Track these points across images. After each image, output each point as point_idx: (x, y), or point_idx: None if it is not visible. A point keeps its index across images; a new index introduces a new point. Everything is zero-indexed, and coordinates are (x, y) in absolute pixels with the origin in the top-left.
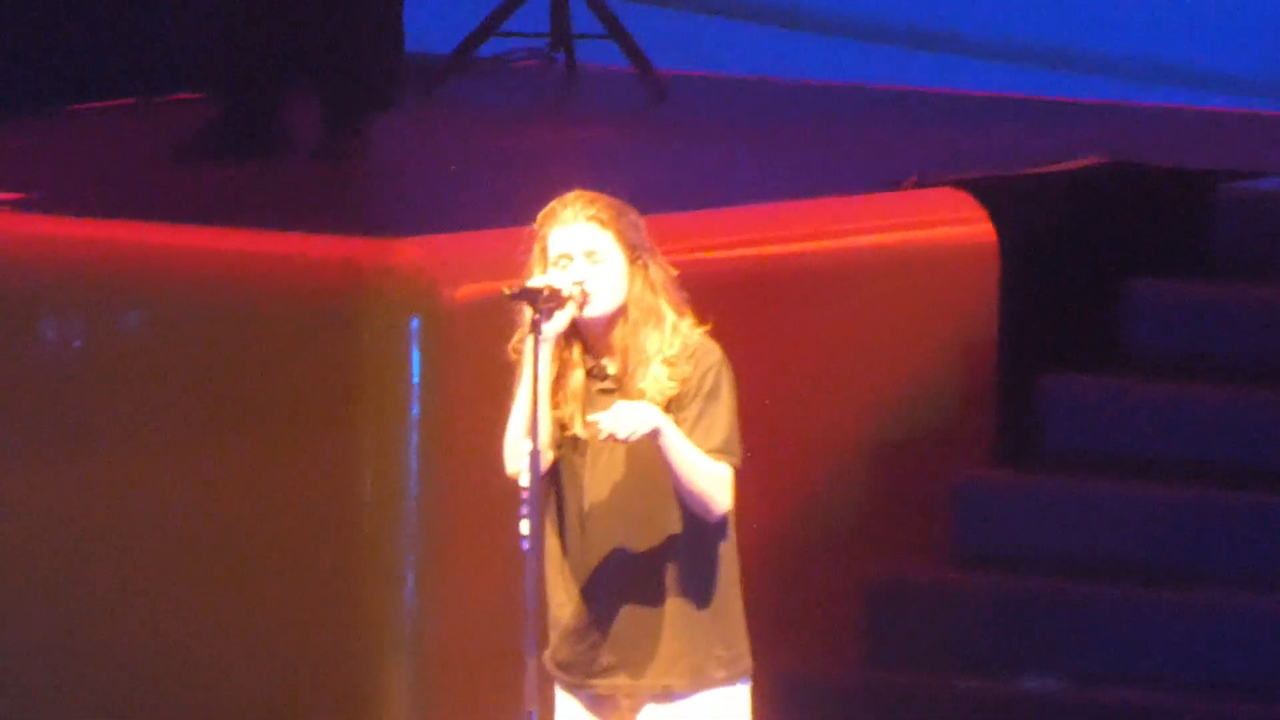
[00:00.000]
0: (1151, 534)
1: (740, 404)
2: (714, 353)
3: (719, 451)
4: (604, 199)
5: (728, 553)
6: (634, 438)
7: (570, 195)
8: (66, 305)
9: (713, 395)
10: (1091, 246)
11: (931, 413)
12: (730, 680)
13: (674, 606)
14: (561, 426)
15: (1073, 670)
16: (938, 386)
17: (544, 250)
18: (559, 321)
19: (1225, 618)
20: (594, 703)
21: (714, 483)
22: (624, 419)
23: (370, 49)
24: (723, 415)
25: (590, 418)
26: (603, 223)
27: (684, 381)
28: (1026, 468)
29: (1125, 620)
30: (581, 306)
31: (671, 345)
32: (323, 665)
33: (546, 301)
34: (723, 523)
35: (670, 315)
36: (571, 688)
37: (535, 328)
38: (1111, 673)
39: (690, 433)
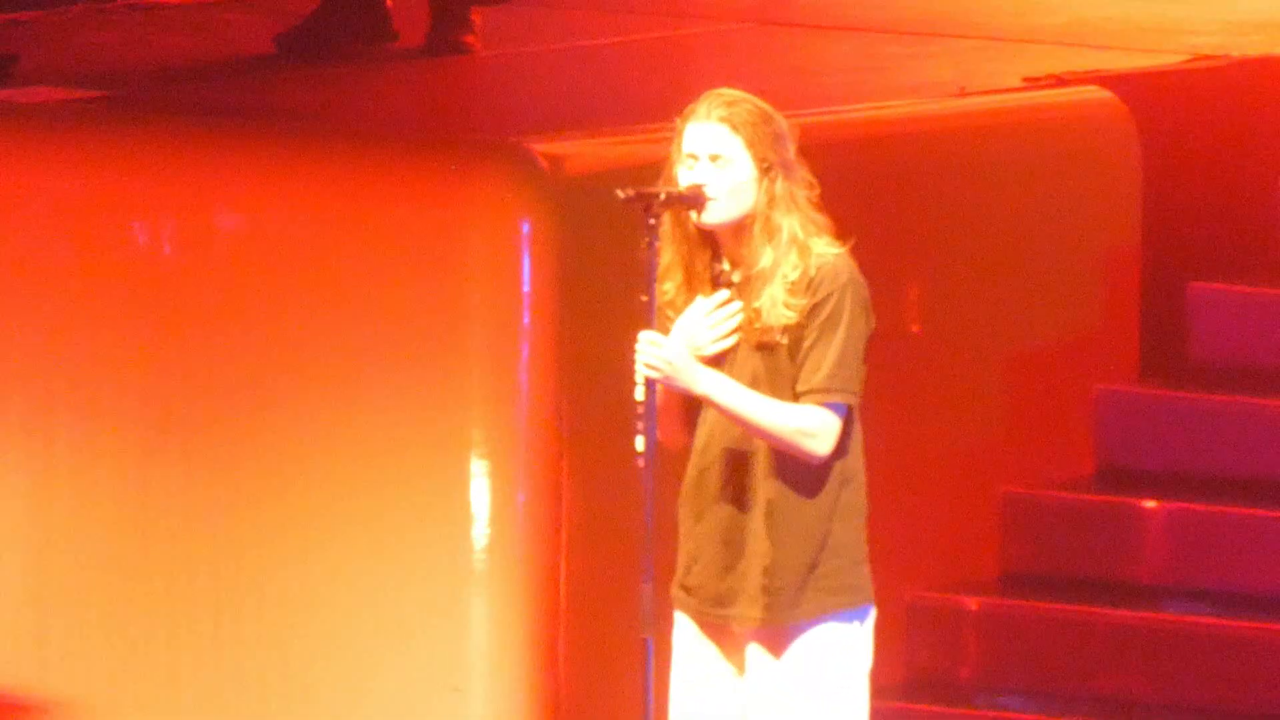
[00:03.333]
0: None
1: (879, 323)
2: (840, 275)
3: (818, 391)
4: (746, 101)
5: (850, 482)
6: (662, 380)
7: (713, 92)
8: (160, 208)
9: (829, 324)
10: (1242, 148)
11: (1073, 322)
12: (849, 608)
13: (788, 535)
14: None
15: (1221, 594)
16: (1079, 294)
17: (679, 146)
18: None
19: None
20: (712, 630)
21: (798, 435)
22: (646, 352)
23: None
24: (834, 349)
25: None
26: (734, 126)
27: (801, 310)
28: (1172, 380)
29: (1273, 540)
30: (700, 211)
31: (796, 268)
32: (432, 588)
33: (663, 205)
34: (840, 453)
35: (800, 234)
36: (692, 613)
37: (651, 232)
38: (1257, 595)
39: (800, 367)
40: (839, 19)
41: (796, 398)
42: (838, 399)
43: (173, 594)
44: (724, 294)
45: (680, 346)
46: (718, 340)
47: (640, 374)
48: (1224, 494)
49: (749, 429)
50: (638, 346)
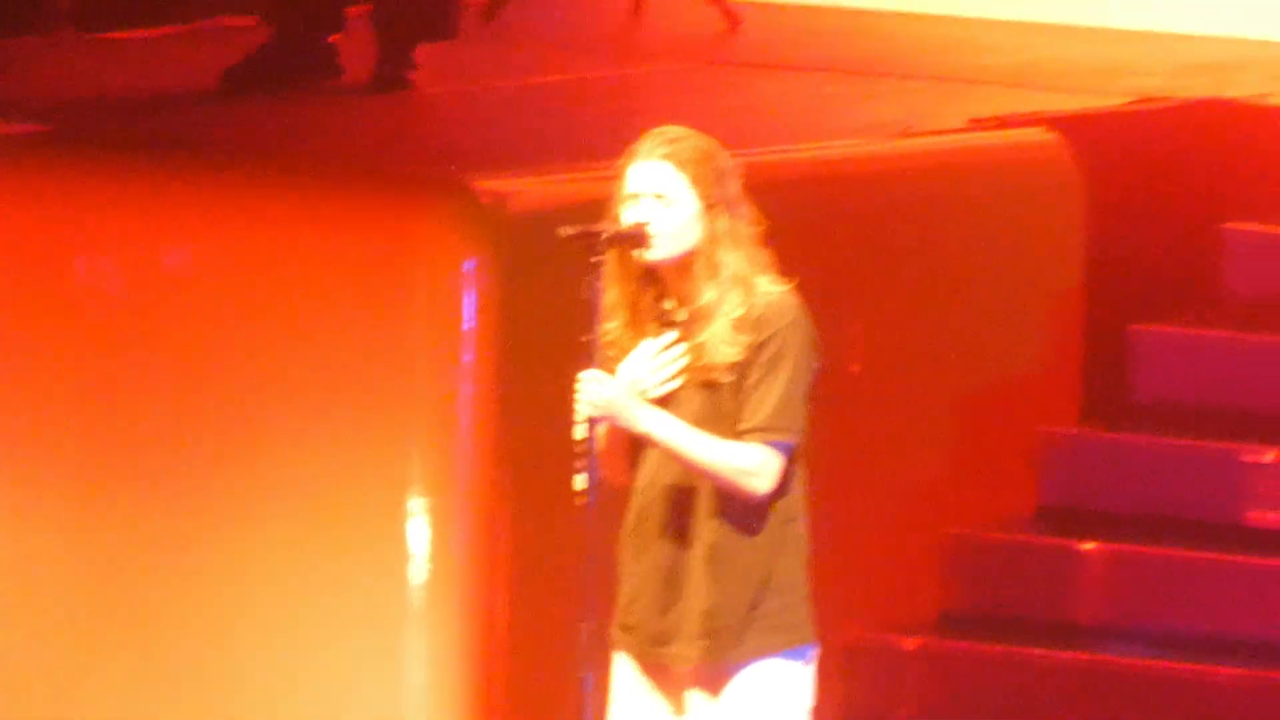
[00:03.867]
0: (1243, 493)
1: (823, 362)
2: (785, 314)
3: (760, 430)
4: (690, 138)
5: (792, 520)
6: (604, 418)
7: (657, 130)
8: (104, 243)
9: (773, 363)
10: (1186, 189)
11: (1015, 363)
12: (790, 647)
13: (730, 574)
14: None
15: (1160, 636)
16: (1022, 337)
17: (624, 185)
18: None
19: None
20: (651, 670)
21: (738, 473)
22: (588, 390)
23: None
24: (777, 387)
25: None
26: (678, 164)
27: (746, 348)
28: (1113, 422)
29: (1212, 582)
30: (643, 249)
31: (740, 306)
32: (370, 626)
33: (606, 243)
34: (782, 492)
35: (744, 272)
36: (632, 652)
37: (594, 270)
38: (1196, 637)
39: (742, 406)
40: (786, 59)
41: (739, 436)
42: (780, 438)
43: (111, 632)
44: (671, 335)
45: (622, 384)
46: (663, 383)
47: (581, 412)
48: (1163, 536)
49: (690, 467)
50: (579, 384)
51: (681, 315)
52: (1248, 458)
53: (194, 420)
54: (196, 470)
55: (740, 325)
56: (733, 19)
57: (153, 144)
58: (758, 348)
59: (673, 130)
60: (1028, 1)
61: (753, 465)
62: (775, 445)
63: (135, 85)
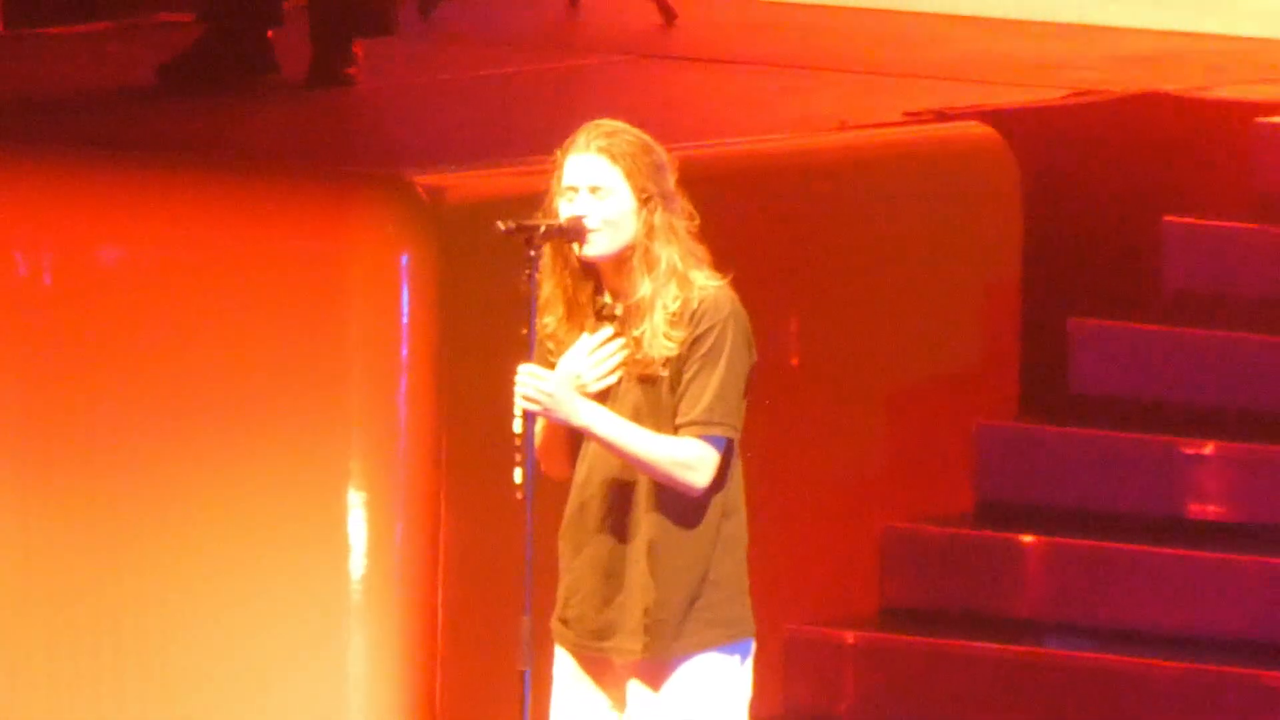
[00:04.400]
0: (1183, 486)
1: (760, 356)
2: (722, 308)
3: (697, 424)
4: (625, 132)
5: (731, 515)
6: (541, 413)
7: (593, 123)
8: (38, 239)
9: (710, 357)
10: (1123, 183)
11: (953, 356)
12: (729, 641)
13: (669, 568)
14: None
15: (1099, 629)
16: (960, 329)
17: (559, 179)
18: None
19: (1259, 575)
20: (590, 663)
21: (676, 466)
22: (525, 384)
23: None
24: (714, 381)
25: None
26: (613, 157)
27: (682, 342)
28: (1051, 415)
29: (1151, 576)
30: (580, 243)
31: (676, 299)
32: (309, 619)
33: (543, 237)
34: (719, 486)
35: (679, 265)
36: (571, 646)
37: (531, 264)
38: (1135, 630)
39: (677, 401)
40: (721, 53)
41: (676, 430)
42: (717, 432)
43: (49, 628)
44: (608, 330)
45: (560, 379)
46: (602, 378)
47: (519, 406)
48: (1102, 529)
49: (628, 460)
50: (517, 379)
51: (618, 309)
52: (1187, 450)
53: (129, 416)
54: (132, 466)
55: (676, 320)
56: (669, 13)
57: (87, 140)
58: (693, 342)
59: (608, 124)
60: None
61: (690, 458)
62: (712, 440)
63: (70, 82)
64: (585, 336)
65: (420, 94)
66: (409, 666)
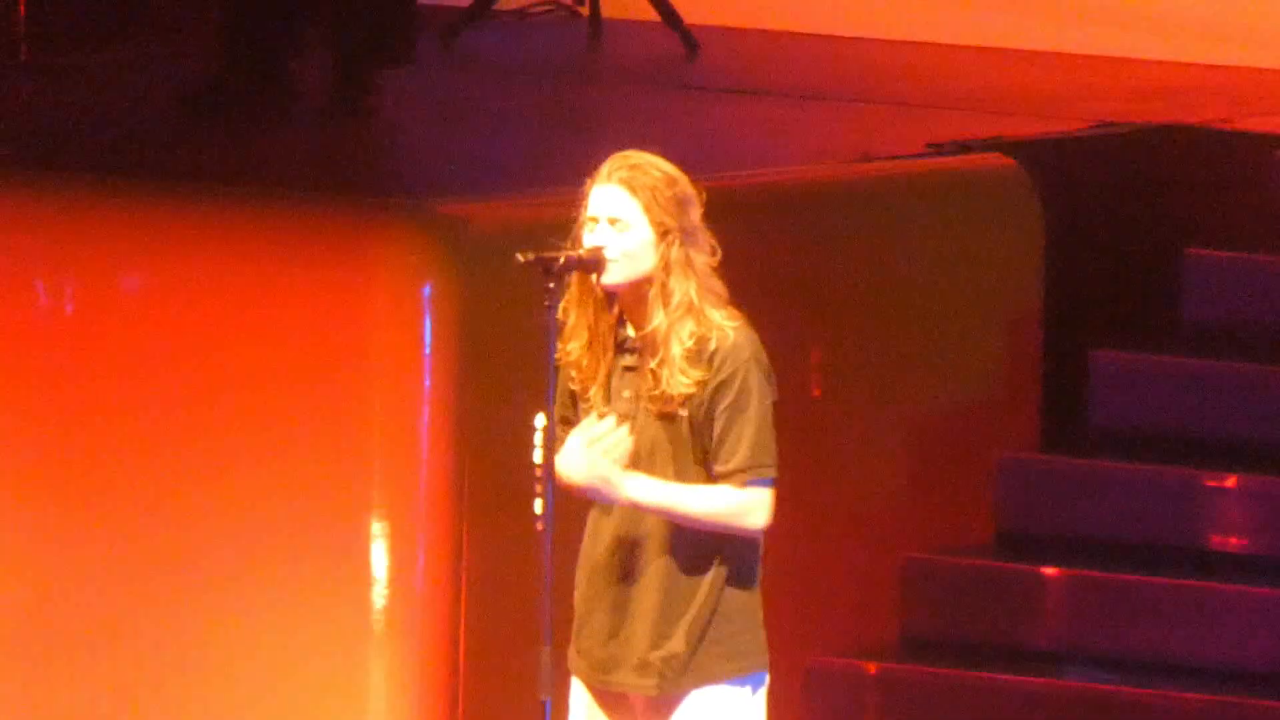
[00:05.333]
0: (1205, 518)
1: (781, 387)
2: (742, 351)
3: (742, 471)
4: (650, 164)
5: (745, 549)
6: (577, 491)
7: (620, 154)
8: (61, 267)
9: (737, 407)
10: (1145, 215)
11: (974, 388)
12: (741, 674)
13: (678, 603)
14: (582, 399)
15: (1120, 660)
16: (981, 362)
17: (585, 208)
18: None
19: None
20: (602, 695)
21: (733, 516)
22: (567, 464)
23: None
24: (748, 429)
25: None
26: (633, 189)
27: (702, 385)
28: (1072, 448)
29: (1179, 607)
30: (599, 273)
31: (692, 335)
32: (330, 650)
33: (562, 268)
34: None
35: (695, 301)
36: (582, 678)
37: (551, 295)
38: (1157, 662)
39: (715, 451)
40: (744, 83)
41: (707, 472)
42: (762, 475)
43: (73, 658)
44: (609, 422)
45: (597, 458)
46: (622, 457)
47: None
48: (1124, 561)
49: (683, 522)
50: (562, 457)
51: (638, 343)
52: (1209, 482)
53: (153, 446)
54: (156, 496)
55: (693, 358)
56: (690, 42)
57: (111, 169)
58: (717, 388)
59: (635, 156)
60: (986, 26)
61: (746, 503)
62: (758, 483)
63: (92, 110)
64: (584, 428)
65: (442, 124)
66: (431, 697)
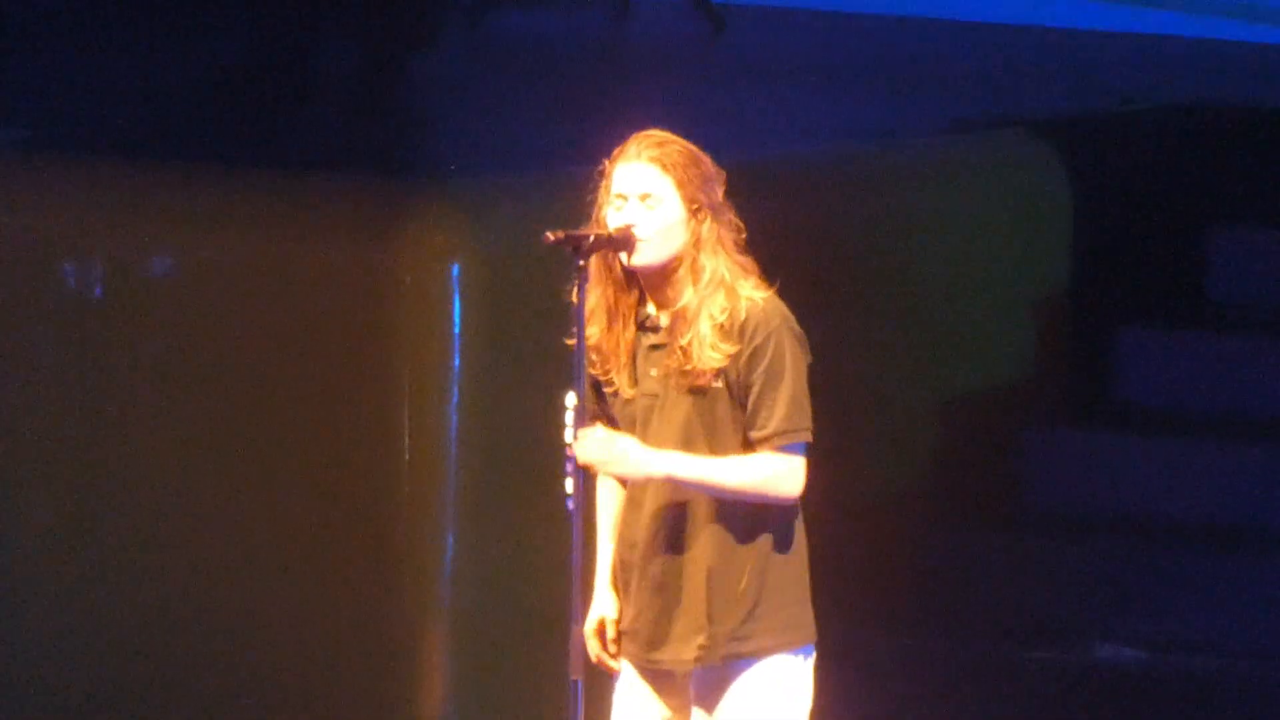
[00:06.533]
0: (1233, 494)
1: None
2: (772, 320)
3: (776, 435)
4: (675, 142)
5: (788, 520)
6: (608, 472)
7: (643, 133)
8: (87, 250)
9: (773, 369)
10: (1174, 194)
11: (1004, 366)
12: (790, 647)
13: (725, 578)
14: (606, 383)
15: (1146, 635)
16: (1010, 339)
17: (608, 188)
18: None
19: None
20: (652, 676)
21: (767, 485)
22: (590, 448)
23: None
24: (782, 395)
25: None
26: (664, 166)
27: (733, 357)
28: (1101, 424)
29: (1201, 584)
30: (630, 253)
31: (724, 310)
32: (361, 626)
33: (592, 247)
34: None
35: (726, 276)
36: (630, 658)
37: (580, 274)
38: (1185, 638)
39: (750, 417)
40: (770, 62)
41: (749, 445)
42: (797, 439)
43: (90, 640)
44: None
45: (630, 440)
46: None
47: (585, 466)
48: (1151, 534)
49: (717, 494)
50: (579, 444)
51: (663, 319)
52: (1236, 456)
53: (180, 425)
54: (185, 472)
55: (725, 332)
56: (717, 22)
57: (138, 151)
58: (751, 356)
59: (659, 134)
60: (1011, 5)
61: (779, 472)
62: (793, 448)
63: (118, 91)
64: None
65: (471, 104)
66: (461, 675)
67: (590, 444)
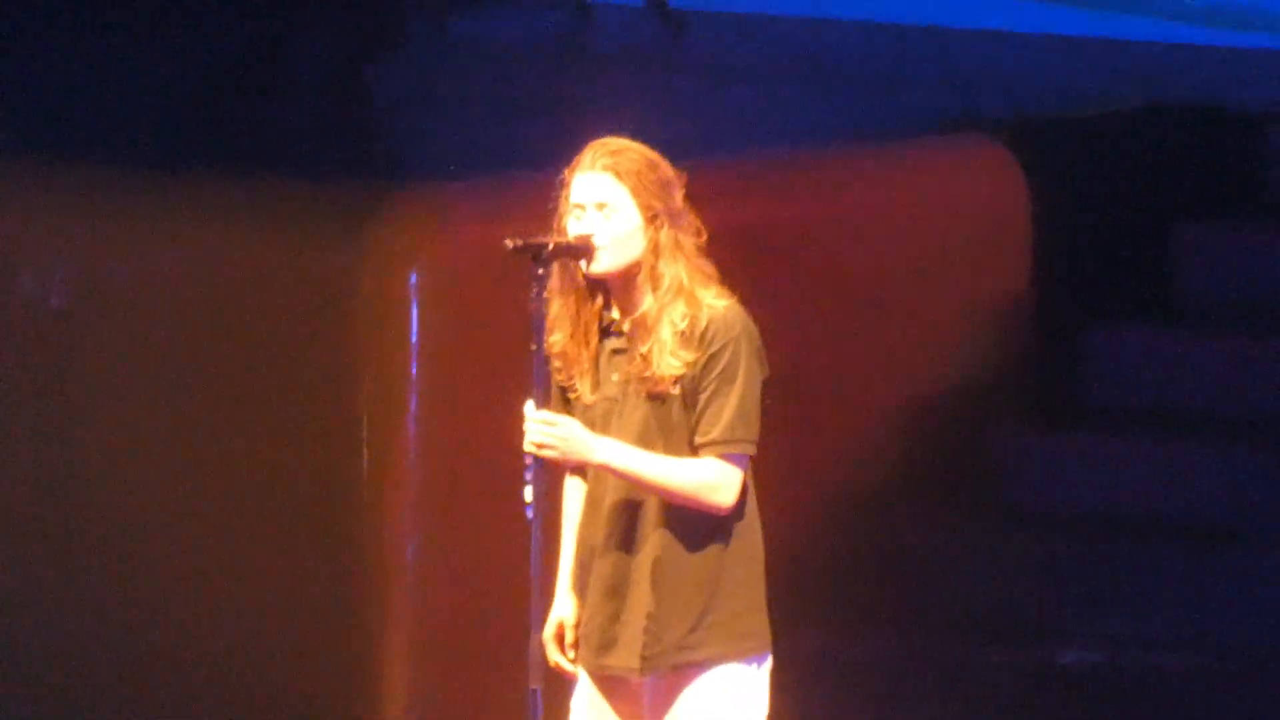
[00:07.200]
0: (1201, 493)
1: (772, 372)
2: (733, 326)
3: (719, 443)
4: (630, 149)
5: (743, 528)
6: (555, 458)
7: (598, 141)
8: (46, 256)
9: (726, 376)
10: (1134, 193)
11: (970, 371)
12: (743, 656)
13: (672, 582)
14: (569, 388)
15: (1115, 633)
16: (976, 343)
17: (568, 197)
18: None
19: (1272, 579)
20: (603, 681)
21: (700, 490)
22: (535, 429)
23: None
24: (732, 400)
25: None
26: (618, 175)
27: (691, 364)
28: (1070, 425)
29: (1170, 582)
30: (589, 261)
31: (684, 317)
32: (322, 635)
33: (551, 255)
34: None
35: (686, 282)
36: (583, 662)
37: (539, 282)
38: (1154, 636)
39: (695, 421)
40: (729, 64)
41: (693, 449)
42: (738, 450)
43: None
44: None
45: (572, 422)
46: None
47: (529, 445)
48: (1117, 535)
49: (651, 489)
50: (526, 423)
51: (625, 326)
52: (1200, 456)
53: (137, 432)
54: (142, 483)
55: (686, 338)
56: (678, 24)
57: (92, 154)
58: (707, 362)
59: (614, 142)
60: (972, 8)
61: (714, 480)
62: (733, 458)
63: (75, 95)
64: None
65: (431, 107)
66: (419, 682)
67: (534, 427)
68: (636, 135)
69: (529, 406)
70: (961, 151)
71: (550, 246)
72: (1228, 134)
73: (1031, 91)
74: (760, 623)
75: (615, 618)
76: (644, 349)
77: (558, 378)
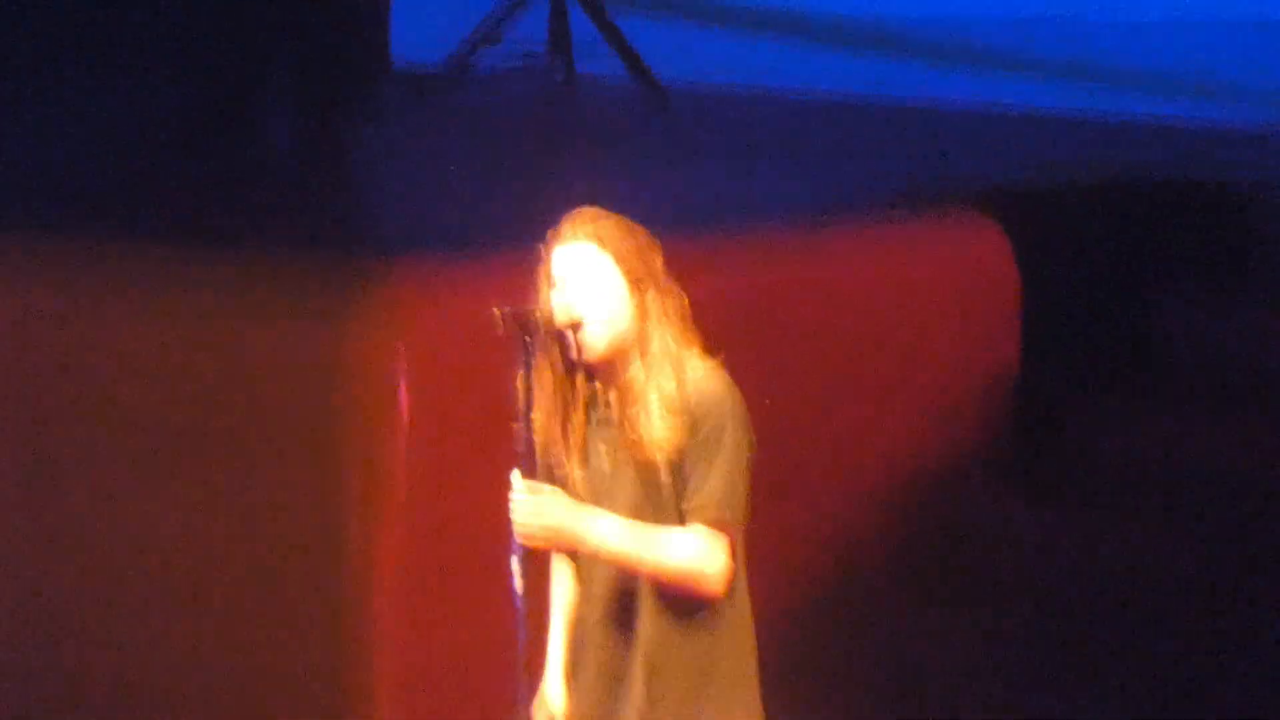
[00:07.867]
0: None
1: (758, 444)
2: (723, 401)
3: (708, 507)
4: (610, 218)
5: (731, 605)
6: (540, 542)
7: (576, 211)
8: (29, 330)
9: (714, 450)
10: (1121, 267)
11: (954, 447)
12: None
13: (671, 665)
14: (556, 464)
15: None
16: (960, 418)
17: (548, 270)
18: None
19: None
20: None
21: (689, 566)
22: (522, 511)
23: (351, 55)
24: (716, 477)
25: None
26: (601, 242)
27: (679, 431)
28: (1057, 503)
29: (1150, 658)
30: (575, 333)
31: (671, 382)
32: (304, 704)
33: (540, 327)
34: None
35: (673, 348)
36: None
37: (528, 353)
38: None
39: (685, 493)
40: (714, 138)
41: (681, 519)
42: (727, 527)
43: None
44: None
45: (557, 494)
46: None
47: (521, 538)
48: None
49: (641, 572)
50: (513, 497)
51: (611, 395)
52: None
53: (125, 511)
54: (131, 567)
55: (673, 406)
56: (662, 97)
57: (74, 226)
58: (695, 433)
59: (591, 211)
60: (953, 84)
61: (703, 552)
62: (720, 532)
63: (64, 163)
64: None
65: (417, 179)
66: None
67: (520, 502)
68: (622, 207)
69: (515, 476)
70: (946, 225)
71: (538, 316)
72: (1212, 208)
73: (1014, 165)
74: (752, 695)
75: (610, 693)
76: (630, 415)
77: (542, 456)
